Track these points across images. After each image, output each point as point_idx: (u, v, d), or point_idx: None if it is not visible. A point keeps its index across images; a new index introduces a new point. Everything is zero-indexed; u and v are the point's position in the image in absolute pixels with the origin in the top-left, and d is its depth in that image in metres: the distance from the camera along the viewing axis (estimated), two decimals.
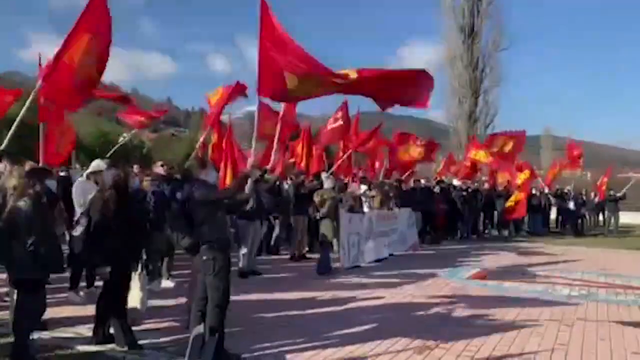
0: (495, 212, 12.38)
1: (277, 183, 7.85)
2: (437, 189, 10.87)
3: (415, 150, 10.94)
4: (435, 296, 5.78)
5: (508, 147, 11.51)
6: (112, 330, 3.80)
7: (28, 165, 4.14)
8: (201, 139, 7.59)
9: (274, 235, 8.30)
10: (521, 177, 11.54)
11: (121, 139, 8.04)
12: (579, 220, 13.13)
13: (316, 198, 7.14)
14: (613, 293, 6.07)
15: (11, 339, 3.17)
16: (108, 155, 7.48)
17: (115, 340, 3.73)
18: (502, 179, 13.05)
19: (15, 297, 3.30)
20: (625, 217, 14.24)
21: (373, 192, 8.77)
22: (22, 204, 3.01)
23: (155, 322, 4.36)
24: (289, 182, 8.26)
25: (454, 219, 11.16)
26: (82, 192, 5.06)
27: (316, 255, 7.38)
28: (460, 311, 4.98)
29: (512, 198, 11.09)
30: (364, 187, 8.66)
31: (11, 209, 3.01)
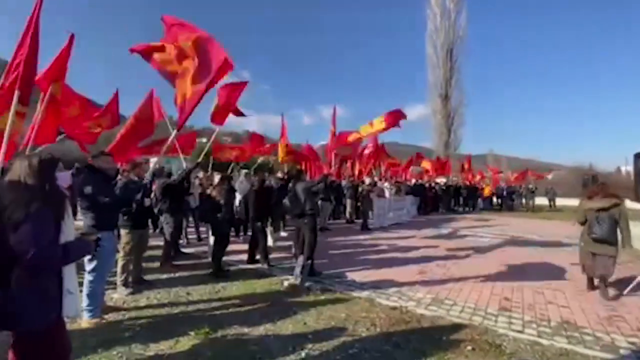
0: (460, 197, 18.00)
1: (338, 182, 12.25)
2: (427, 185, 16.30)
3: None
4: (427, 242, 8.23)
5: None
6: (257, 257, 5.77)
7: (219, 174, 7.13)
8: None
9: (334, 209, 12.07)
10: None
11: (260, 159, 12.88)
12: (511, 202, 19.05)
13: (360, 189, 11.68)
14: (528, 241, 8.63)
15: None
16: (253, 168, 11.13)
17: (260, 262, 5.59)
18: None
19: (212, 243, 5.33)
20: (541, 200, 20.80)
21: (392, 186, 13.16)
22: (215, 192, 5.39)
23: (277, 253, 6.26)
24: (345, 181, 12.58)
25: (437, 201, 16.42)
26: (244, 188, 7.96)
27: (359, 220, 10.85)
28: (439, 250, 7.30)
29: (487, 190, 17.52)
30: (386, 184, 13.22)
31: (211, 194, 5.38)
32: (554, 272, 5.63)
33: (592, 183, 6.98)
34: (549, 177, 21.44)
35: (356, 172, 13.98)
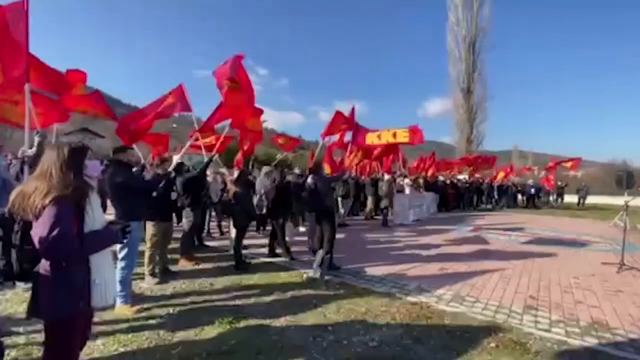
0: (482, 195, 17.52)
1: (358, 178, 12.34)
2: (448, 182, 15.97)
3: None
4: (448, 239, 8.08)
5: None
6: (277, 250, 5.98)
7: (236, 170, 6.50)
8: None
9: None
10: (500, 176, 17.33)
11: (279, 156, 13.08)
12: (537, 200, 18.17)
13: (380, 184, 11.65)
14: (555, 240, 8.31)
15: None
16: (273, 164, 10.96)
17: (281, 255, 5.82)
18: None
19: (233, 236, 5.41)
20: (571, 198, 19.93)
21: (411, 182, 12.78)
22: (238, 188, 5.34)
23: (297, 246, 6.40)
24: (365, 178, 12.54)
25: (458, 197, 15.99)
26: (262, 182, 7.56)
27: (379, 217, 10.85)
28: (461, 247, 7.12)
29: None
30: (406, 180, 12.85)
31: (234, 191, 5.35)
32: (584, 272, 5.40)
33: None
34: (579, 174, 20.32)
35: (376, 169, 13.82)
